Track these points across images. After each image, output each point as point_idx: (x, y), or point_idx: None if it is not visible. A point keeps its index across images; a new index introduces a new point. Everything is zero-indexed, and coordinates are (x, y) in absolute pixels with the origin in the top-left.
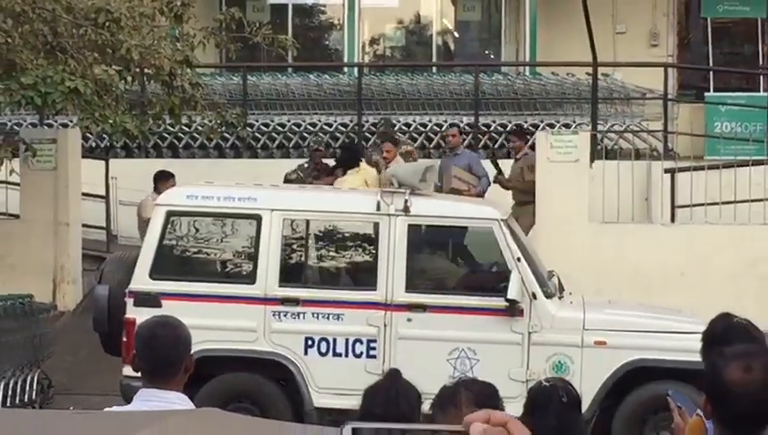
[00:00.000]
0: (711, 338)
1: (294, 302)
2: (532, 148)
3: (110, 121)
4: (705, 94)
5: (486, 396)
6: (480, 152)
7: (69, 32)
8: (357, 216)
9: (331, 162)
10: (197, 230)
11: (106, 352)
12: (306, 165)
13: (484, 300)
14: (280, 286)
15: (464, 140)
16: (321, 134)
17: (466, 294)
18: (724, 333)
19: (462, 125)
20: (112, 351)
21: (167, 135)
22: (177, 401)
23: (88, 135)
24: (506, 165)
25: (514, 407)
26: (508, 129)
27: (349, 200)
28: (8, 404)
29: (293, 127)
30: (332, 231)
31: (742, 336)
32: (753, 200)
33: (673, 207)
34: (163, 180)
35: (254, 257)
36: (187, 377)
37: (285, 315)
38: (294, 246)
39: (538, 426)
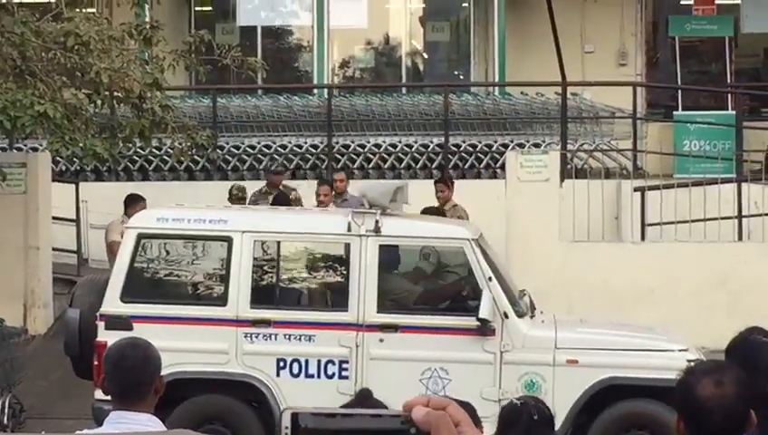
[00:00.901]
0: (728, 353)
1: (266, 323)
2: (503, 168)
3: (80, 145)
4: (674, 113)
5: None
6: (451, 172)
7: (38, 55)
8: (328, 237)
9: (293, 184)
10: (168, 253)
11: (77, 375)
12: (264, 189)
13: (456, 320)
14: (251, 308)
15: (432, 161)
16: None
17: (438, 314)
18: (741, 349)
19: (432, 145)
20: (84, 374)
21: (137, 158)
22: (148, 422)
23: (58, 159)
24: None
25: (487, 426)
26: (478, 148)
27: (319, 221)
28: None
29: (264, 149)
30: (304, 252)
31: (762, 352)
32: (722, 218)
33: (643, 225)
34: (133, 204)
35: (225, 279)
36: (158, 398)
37: (257, 337)
38: (266, 268)
39: None
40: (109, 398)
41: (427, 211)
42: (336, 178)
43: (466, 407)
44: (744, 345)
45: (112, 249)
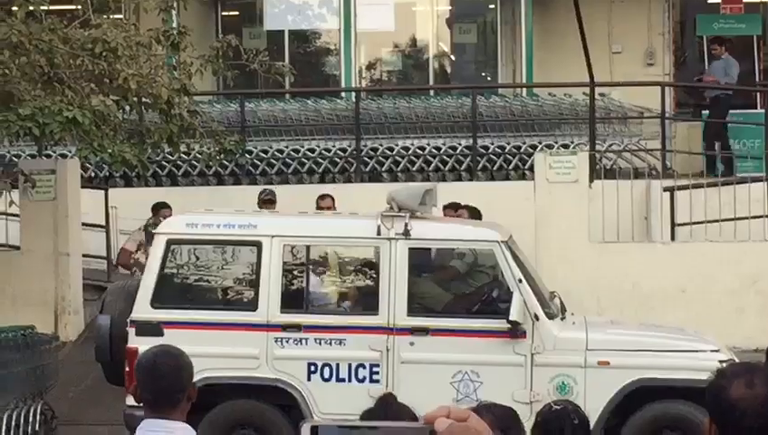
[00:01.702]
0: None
1: (296, 328)
2: (531, 169)
3: (109, 151)
4: (703, 112)
5: (508, 419)
6: (479, 174)
7: (66, 62)
8: (357, 241)
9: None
10: (198, 258)
11: (108, 381)
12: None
13: (487, 322)
14: (281, 313)
15: (461, 163)
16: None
17: (469, 317)
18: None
19: (460, 147)
20: (115, 380)
21: (165, 163)
22: (180, 430)
23: (87, 165)
24: None
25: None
26: (507, 150)
27: (349, 225)
28: None
29: (292, 153)
30: (333, 256)
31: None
32: (752, 217)
33: (673, 225)
34: (157, 211)
35: (255, 284)
36: (190, 405)
37: (287, 342)
38: (295, 272)
39: None
40: (140, 405)
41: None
42: (322, 205)
43: (510, 413)
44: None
45: (121, 256)
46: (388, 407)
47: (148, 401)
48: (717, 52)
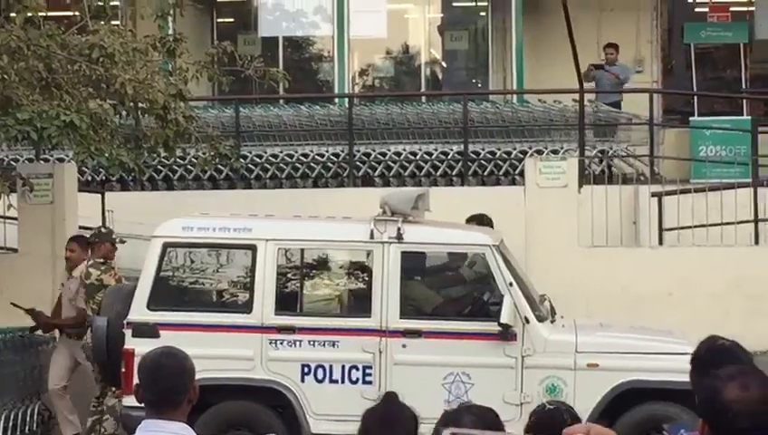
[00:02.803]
0: (698, 361)
1: (290, 330)
2: (521, 175)
3: (106, 155)
4: (690, 119)
5: (488, 420)
6: (470, 180)
7: (63, 68)
8: (350, 244)
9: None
10: (193, 261)
11: (105, 382)
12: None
13: (478, 325)
14: (276, 315)
15: (452, 168)
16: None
17: (460, 320)
18: (711, 356)
19: (452, 153)
20: (112, 381)
21: (161, 168)
22: (181, 431)
23: (84, 169)
24: None
25: (510, 430)
26: (497, 156)
27: (342, 229)
28: None
29: (286, 158)
30: (327, 259)
31: (728, 358)
32: (738, 222)
33: (660, 229)
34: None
35: (249, 287)
36: (190, 407)
37: (282, 343)
38: (290, 275)
39: None
40: (137, 405)
41: (472, 219)
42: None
43: (489, 412)
44: (710, 352)
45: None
46: (391, 404)
47: (150, 402)
48: (613, 57)
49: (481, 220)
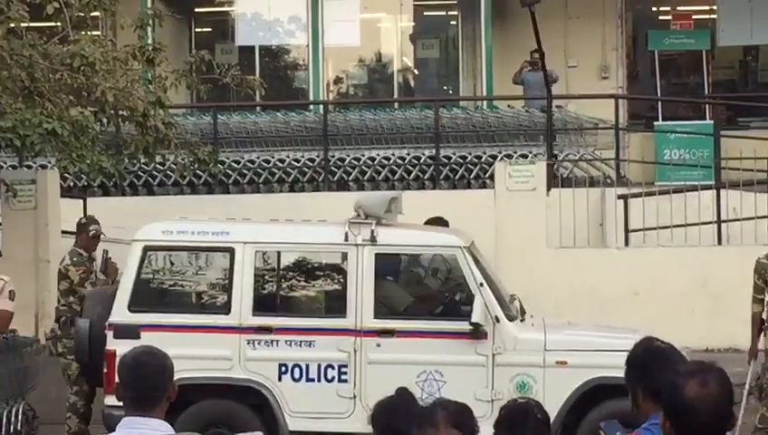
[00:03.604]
0: (634, 361)
1: (268, 330)
2: (492, 178)
3: (87, 161)
4: (655, 123)
5: (462, 415)
6: (442, 183)
7: (46, 76)
8: (326, 246)
9: None
10: (173, 264)
11: (87, 383)
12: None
13: (450, 324)
14: (254, 316)
15: (424, 172)
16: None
17: (432, 319)
18: (647, 357)
19: (424, 157)
20: (94, 381)
21: (142, 173)
22: (159, 427)
23: (66, 175)
24: None
25: (482, 426)
26: (468, 160)
27: (318, 232)
28: None
29: (263, 163)
30: (303, 261)
31: (663, 360)
32: (702, 223)
33: (626, 231)
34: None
35: (228, 289)
36: (168, 405)
37: (259, 343)
38: (267, 277)
39: None
40: (119, 404)
41: (430, 222)
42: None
43: (464, 409)
44: (646, 353)
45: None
46: (406, 400)
47: (130, 399)
48: (538, 65)
49: (438, 223)
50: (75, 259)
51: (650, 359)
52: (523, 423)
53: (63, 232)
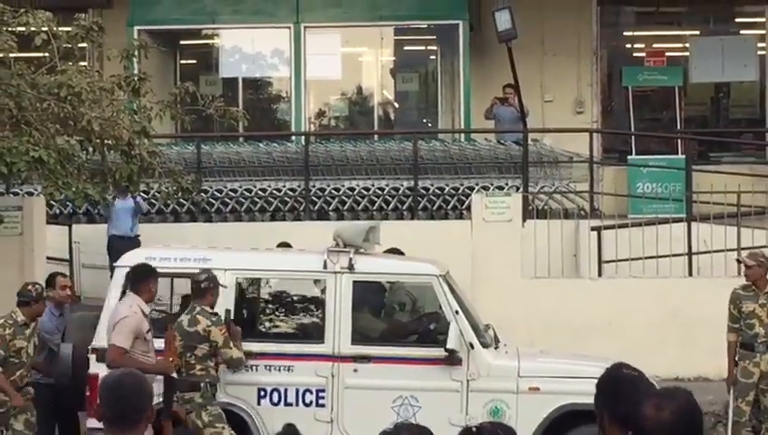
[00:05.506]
0: (604, 386)
1: (247, 355)
2: (468, 209)
3: (73, 189)
4: (628, 157)
5: None
6: (420, 214)
7: (33, 105)
8: (305, 274)
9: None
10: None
11: (71, 407)
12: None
13: (426, 350)
14: None
15: (403, 203)
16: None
17: (409, 346)
18: (613, 382)
19: (402, 188)
20: (77, 405)
21: None
22: None
23: (52, 202)
24: None
25: None
26: (445, 191)
27: (297, 260)
28: None
29: (245, 192)
30: (282, 289)
31: (631, 387)
32: (673, 255)
33: (600, 262)
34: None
35: None
36: (148, 426)
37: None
38: (247, 304)
39: None
40: (101, 427)
41: (387, 252)
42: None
43: (425, 431)
44: (615, 378)
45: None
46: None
47: (110, 420)
48: (512, 96)
49: (394, 253)
50: (214, 319)
51: (619, 384)
52: None
53: (48, 258)
